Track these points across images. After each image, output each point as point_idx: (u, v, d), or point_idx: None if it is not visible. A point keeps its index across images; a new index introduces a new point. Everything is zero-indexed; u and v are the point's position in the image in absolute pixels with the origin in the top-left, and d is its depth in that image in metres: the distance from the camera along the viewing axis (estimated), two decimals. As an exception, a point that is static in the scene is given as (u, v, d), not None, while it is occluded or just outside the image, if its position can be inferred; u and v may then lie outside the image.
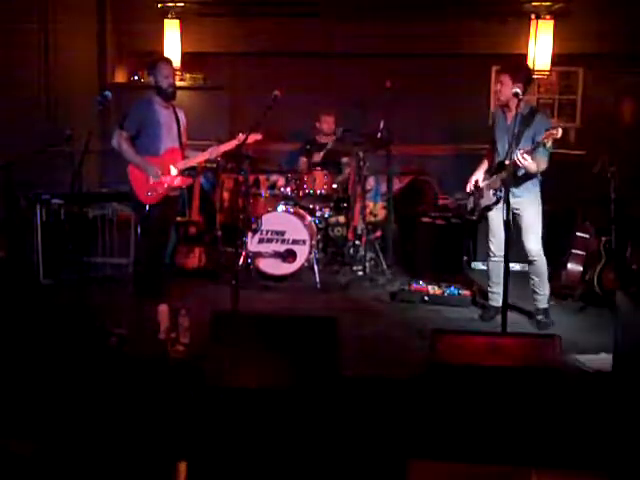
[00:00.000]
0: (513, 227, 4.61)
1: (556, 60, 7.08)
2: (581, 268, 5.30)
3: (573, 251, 5.36)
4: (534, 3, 7.07)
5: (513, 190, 4.50)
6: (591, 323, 4.77)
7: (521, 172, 4.42)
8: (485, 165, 4.87)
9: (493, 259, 4.72)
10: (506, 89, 4.42)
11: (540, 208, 4.61)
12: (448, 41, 7.16)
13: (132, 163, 4.75)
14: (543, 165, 4.37)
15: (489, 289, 4.85)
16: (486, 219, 4.79)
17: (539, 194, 4.61)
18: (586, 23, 7.01)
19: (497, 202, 4.53)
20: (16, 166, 4.81)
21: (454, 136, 7.31)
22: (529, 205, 4.58)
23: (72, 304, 4.34)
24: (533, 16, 7.10)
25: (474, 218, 4.89)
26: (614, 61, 7.08)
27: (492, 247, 4.71)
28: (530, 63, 7.09)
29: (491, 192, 4.60)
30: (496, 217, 4.58)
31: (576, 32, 7.04)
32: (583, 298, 5.18)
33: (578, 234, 5.39)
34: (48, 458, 2.75)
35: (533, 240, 4.59)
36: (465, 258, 6.40)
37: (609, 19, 6.91)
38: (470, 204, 4.88)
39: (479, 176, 4.81)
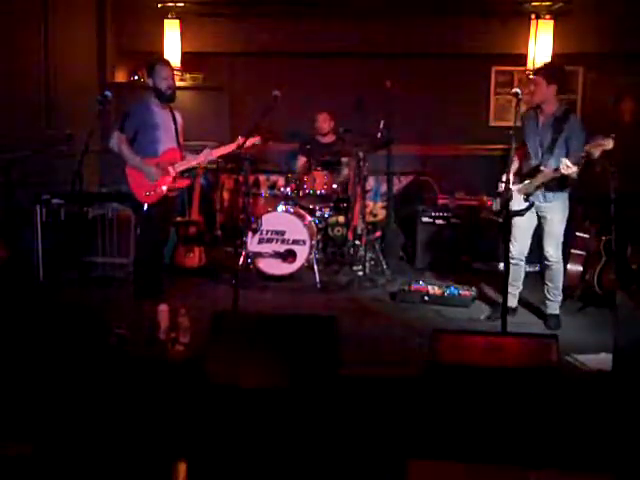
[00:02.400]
0: (536, 229, 4.63)
1: (556, 60, 7.07)
2: (581, 268, 5.30)
3: (573, 251, 5.36)
4: (534, 3, 7.06)
5: (546, 194, 4.51)
6: (591, 323, 4.77)
7: (542, 178, 4.40)
8: (515, 166, 4.79)
9: (513, 262, 4.62)
10: (540, 90, 4.40)
11: (567, 214, 4.58)
12: (448, 41, 7.16)
13: (130, 165, 4.74)
14: (574, 170, 4.30)
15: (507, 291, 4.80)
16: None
17: (567, 200, 4.58)
18: (586, 23, 7.01)
19: (529, 208, 4.42)
20: (16, 166, 4.82)
21: (454, 136, 7.31)
22: (557, 210, 4.54)
23: (72, 304, 4.35)
24: (533, 16, 7.10)
25: (500, 220, 4.80)
26: (614, 61, 7.08)
27: (514, 251, 4.63)
28: (530, 63, 7.09)
29: (522, 197, 4.50)
30: (521, 221, 4.52)
31: (576, 32, 7.04)
32: (583, 298, 5.18)
33: (578, 234, 5.39)
34: (48, 458, 2.75)
35: (554, 245, 4.58)
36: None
37: (609, 19, 6.92)
38: (497, 205, 4.74)
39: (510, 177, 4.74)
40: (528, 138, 4.57)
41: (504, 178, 4.65)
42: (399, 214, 6.73)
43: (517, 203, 4.48)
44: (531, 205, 4.42)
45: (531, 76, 6.42)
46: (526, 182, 4.49)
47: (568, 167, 4.19)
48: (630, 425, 2.95)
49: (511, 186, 4.63)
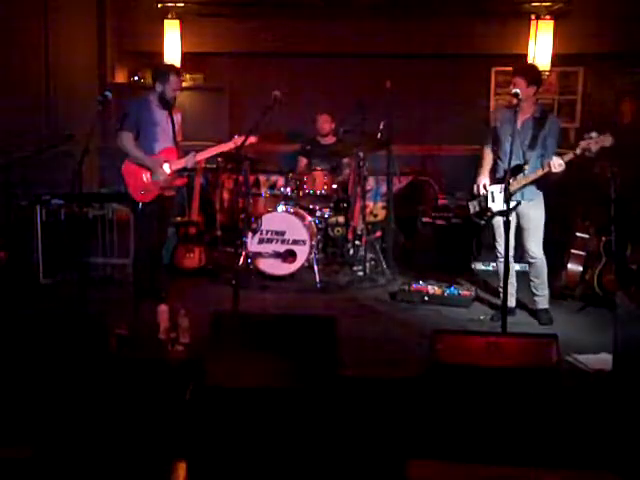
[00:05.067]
0: (516, 228, 4.65)
1: (556, 60, 7.08)
2: (581, 268, 5.30)
3: (573, 251, 5.36)
4: (534, 3, 7.06)
5: (524, 193, 4.56)
6: (591, 323, 4.77)
7: (521, 175, 4.45)
8: (488, 166, 4.82)
9: (502, 260, 4.66)
10: (520, 90, 4.41)
11: (544, 210, 4.65)
12: (448, 41, 7.16)
13: (139, 162, 4.76)
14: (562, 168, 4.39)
15: (501, 290, 4.83)
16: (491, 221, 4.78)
17: (542, 196, 4.65)
18: (586, 23, 7.01)
19: (516, 207, 4.40)
20: (16, 166, 4.82)
21: (454, 136, 7.30)
22: (536, 208, 4.61)
23: (72, 304, 4.35)
24: (533, 16, 7.10)
25: (482, 222, 4.82)
26: (614, 61, 7.08)
27: (500, 249, 4.71)
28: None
29: (503, 196, 4.50)
30: (502, 220, 4.55)
31: (576, 32, 7.04)
32: (583, 298, 5.18)
33: (578, 234, 5.39)
34: (48, 459, 2.75)
35: (535, 242, 4.64)
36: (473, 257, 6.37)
37: (609, 19, 6.92)
38: (476, 207, 4.79)
39: (486, 179, 4.77)
40: (505, 139, 4.56)
41: (480, 180, 4.74)
42: (399, 214, 6.73)
43: (498, 203, 4.58)
44: (517, 204, 4.42)
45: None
46: (510, 182, 4.50)
47: (560, 165, 4.25)
48: (630, 425, 2.95)
49: (488, 187, 4.68)
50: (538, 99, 4.71)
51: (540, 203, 4.63)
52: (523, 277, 5.02)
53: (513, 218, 4.61)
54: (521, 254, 4.81)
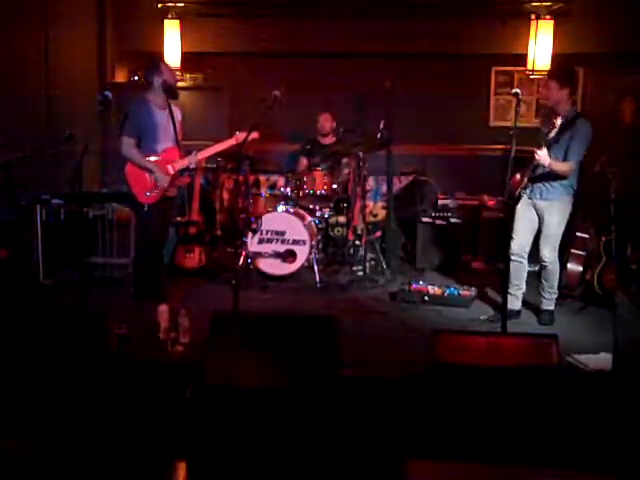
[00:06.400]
0: (537, 229, 4.66)
1: (556, 60, 7.07)
2: (581, 268, 5.30)
3: (573, 251, 5.36)
4: (534, 3, 7.06)
5: (542, 191, 4.57)
6: (591, 323, 4.77)
7: (539, 170, 4.44)
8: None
9: (513, 259, 4.65)
10: (552, 94, 4.47)
11: (566, 217, 4.63)
12: (448, 41, 7.15)
13: (140, 166, 4.75)
14: (560, 167, 4.39)
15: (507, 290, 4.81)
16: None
17: (569, 204, 4.62)
18: (586, 23, 7.01)
19: (519, 198, 4.45)
20: (16, 166, 4.81)
21: (454, 136, 7.30)
22: (556, 212, 4.59)
23: (72, 304, 4.34)
24: (533, 16, 7.09)
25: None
26: (614, 61, 7.08)
27: (514, 246, 4.64)
28: (530, 63, 7.09)
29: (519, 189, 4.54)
30: (521, 216, 4.59)
31: (576, 32, 7.03)
32: (583, 298, 5.19)
33: (578, 234, 5.39)
34: (48, 458, 2.75)
35: (550, 247, 4.63)
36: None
37: (609, 19, 6.91)
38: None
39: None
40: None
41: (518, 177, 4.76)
42: (399, 214, 6.73)
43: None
44: (519, 197, 4.42)
45: (532, 77, 6.46)
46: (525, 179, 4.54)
47: (539, 155, 4.25)
48: (630, 425, 2.95)
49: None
50: (575, 99, 4.71)
51: (561, 208, 4.59)
52: (531, 277, 5.01)
53: (534, 216, 4.65)
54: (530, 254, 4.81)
